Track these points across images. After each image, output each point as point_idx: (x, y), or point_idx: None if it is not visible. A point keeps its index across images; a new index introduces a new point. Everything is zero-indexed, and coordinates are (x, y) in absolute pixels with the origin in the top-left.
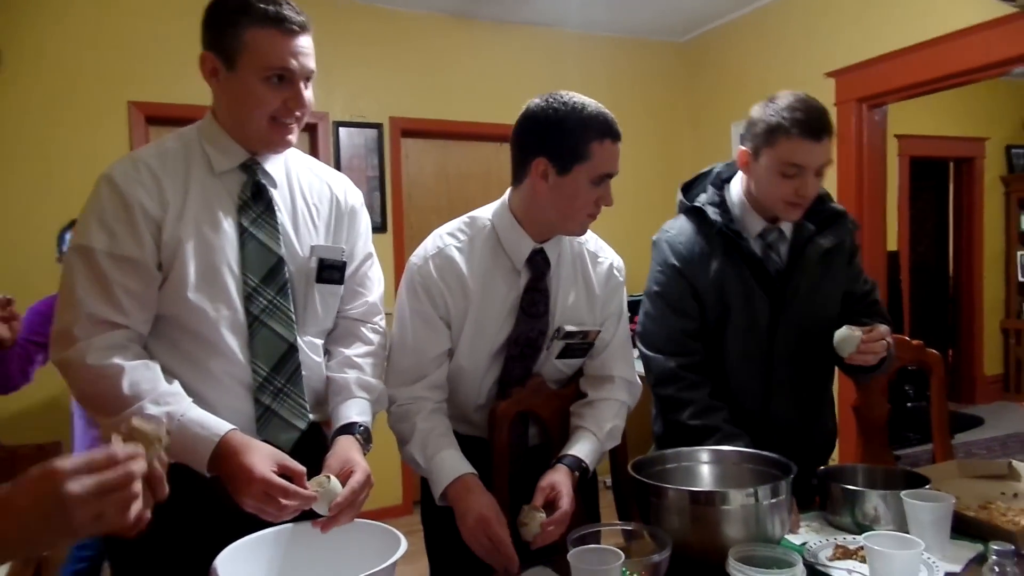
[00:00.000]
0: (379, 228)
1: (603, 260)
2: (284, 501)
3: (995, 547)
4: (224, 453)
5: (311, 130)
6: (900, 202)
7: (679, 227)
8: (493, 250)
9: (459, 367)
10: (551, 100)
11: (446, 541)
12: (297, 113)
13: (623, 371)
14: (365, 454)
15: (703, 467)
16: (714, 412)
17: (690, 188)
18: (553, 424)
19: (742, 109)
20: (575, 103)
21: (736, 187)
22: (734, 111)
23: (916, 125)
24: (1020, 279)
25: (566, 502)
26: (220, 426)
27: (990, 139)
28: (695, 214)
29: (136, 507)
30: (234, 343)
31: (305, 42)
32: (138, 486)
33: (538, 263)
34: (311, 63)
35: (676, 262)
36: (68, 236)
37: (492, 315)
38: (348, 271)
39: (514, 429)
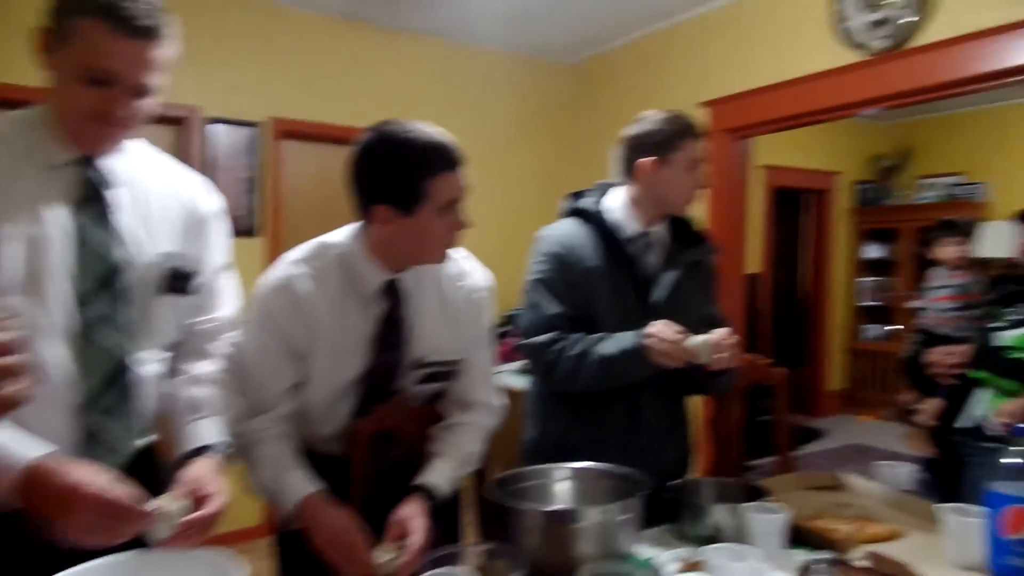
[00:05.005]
0: (249, 232)
1: (463, 283)
2: (117, 522)
3: (812, 557)
4: (39, 476)
5: (178, 123)
6: (766, 228)
7: (560, 225)
8: (344, 280)
9: (309, 399)
10: (381, 140)
11: (301, 564)
12: (119, 115)
13: (485, 395)
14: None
15: (563, 484)
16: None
17: (574, 198)
18: (418, 442)
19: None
20: (405, 139)
21: (616, 196)
22: (619, 133)
23: (783, 157)
24: (861, 304)
25: (417, 538)
26: (30, 447)
27: (842, 173)
28: (577, 215)
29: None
30: (59, 356)
31: (147, 50)
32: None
33: (391, 294)
34: (147, 76)
35: (556, 250)
36: None
37: (346, 347)
38: (197, 282)
39: (378, 450)
